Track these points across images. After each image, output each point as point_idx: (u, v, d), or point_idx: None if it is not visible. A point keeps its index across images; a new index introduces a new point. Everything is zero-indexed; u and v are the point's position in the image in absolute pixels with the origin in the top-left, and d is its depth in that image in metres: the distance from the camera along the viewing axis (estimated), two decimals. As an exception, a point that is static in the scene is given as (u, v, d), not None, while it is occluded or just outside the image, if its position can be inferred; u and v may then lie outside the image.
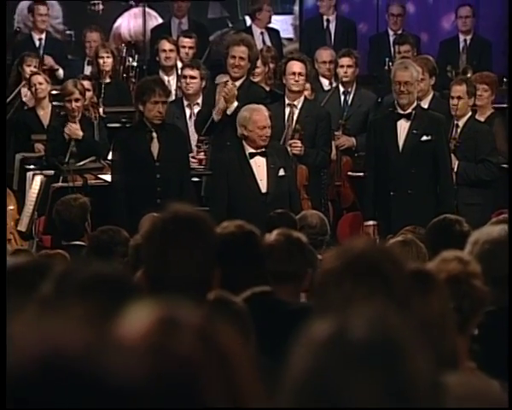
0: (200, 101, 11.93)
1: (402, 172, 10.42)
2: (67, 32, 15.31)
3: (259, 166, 10.48)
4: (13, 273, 3.56)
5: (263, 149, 10.47)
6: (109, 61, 13.32)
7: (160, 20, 15.84)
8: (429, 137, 10.44)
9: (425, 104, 11.64)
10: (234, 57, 11.57)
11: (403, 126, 10.51)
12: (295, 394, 1.86)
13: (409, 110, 10.48)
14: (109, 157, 11.45)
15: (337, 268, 3.38)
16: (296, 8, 16.17)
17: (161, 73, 12.95)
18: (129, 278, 3.14)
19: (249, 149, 10.45)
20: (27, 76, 12.56)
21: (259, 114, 10.52)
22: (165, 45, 13.28)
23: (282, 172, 10.44)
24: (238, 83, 11.46)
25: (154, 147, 10.65)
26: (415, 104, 10.55)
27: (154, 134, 10.63)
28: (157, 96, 10.53)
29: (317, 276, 3.60)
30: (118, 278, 2.98)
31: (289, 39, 15.89)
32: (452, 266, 4.40)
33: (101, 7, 15.84)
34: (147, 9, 15.70)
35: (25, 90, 12.57)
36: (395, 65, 11.28)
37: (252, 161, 10.47)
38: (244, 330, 3.76)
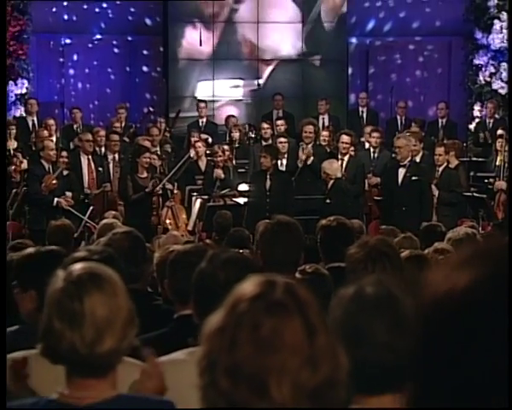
0: (286, 155, 11.66)
1: (400, 197, 10.27)
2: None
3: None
4: (183, 253, 3.53)
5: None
6: (237, 134, 13.18)
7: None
8: (416, 178, 10.28)
9: (417, 158, 11.43)
10: (306, 132, 11.60)
11: (401, 171, 10.39)
12: (335, 329, 1.75)
13: (405, 162, 10.36)
14: (239, 188, 11.42)
15: (361, 256, 3.36)
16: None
17: (262, 141, 12.62)
18: (249, 259, 2.99)
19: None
20: (193, 142, 12.52)
21: (327, 162, 10.77)
22: (264, 125, 12.94)
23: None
24: (309, 146, 11.48)
25: (267, 183, 10.71)
26: (409, 158, 10.45)
27: (268, 176, 10.72)
28: (263, 153, 10.78)
29: (347, 260, 3.46)
30: (242, 258, 2.86)
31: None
32: (442, 257, 4.43)
33: (218, 104, 15.96)
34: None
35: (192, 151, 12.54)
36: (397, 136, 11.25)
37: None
38: (327, 288, 3.71)
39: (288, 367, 1.45)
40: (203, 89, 15.70)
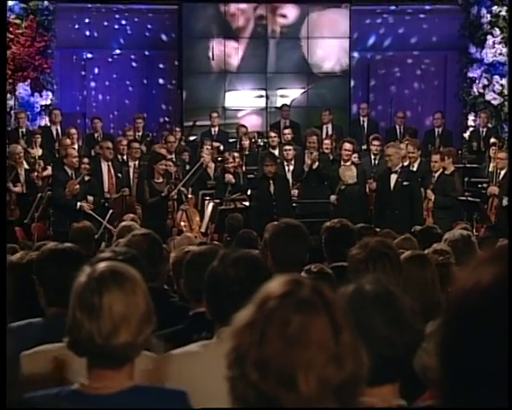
0: (293, 162, 11.59)
1: (392, 201, 10.25)
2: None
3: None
4: (198, 254, 3.53)
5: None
6: (247, 142, 13.18)
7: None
8: (407, 183, 10.26)
9: (415, 164, 11.45)
10: (309, 142, 11.50)
11: (393, 177, 10.38)
12: None
13: (396, 169, 10.36)
14: (247, 193, 11.35)
15: (362, 256, 3.35)
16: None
17: (270, 149, 12.55)
18: (258, 257, 2.93)
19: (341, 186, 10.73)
20: (205, 150, 12.37)
21: (342, 168, 10.83)
22: (272, 134, 12.96)
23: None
24: (315, 152, 11.43)
25: (271, 188, 10.63)
26: (400, 165, 10.44)
27: (271, 181, 10.65)
28: (267, 161, 10.74)
29: (349, 260, 3.43)
30: (252, 257, 2.83)
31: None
32: (441, 257, 4.41)
33: (228, 114, 15.96)
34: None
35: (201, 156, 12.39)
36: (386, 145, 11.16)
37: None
38: (330, 287, 3.68)
39: (314, 363, 1.44)
40: (216, 99, 15.69)
